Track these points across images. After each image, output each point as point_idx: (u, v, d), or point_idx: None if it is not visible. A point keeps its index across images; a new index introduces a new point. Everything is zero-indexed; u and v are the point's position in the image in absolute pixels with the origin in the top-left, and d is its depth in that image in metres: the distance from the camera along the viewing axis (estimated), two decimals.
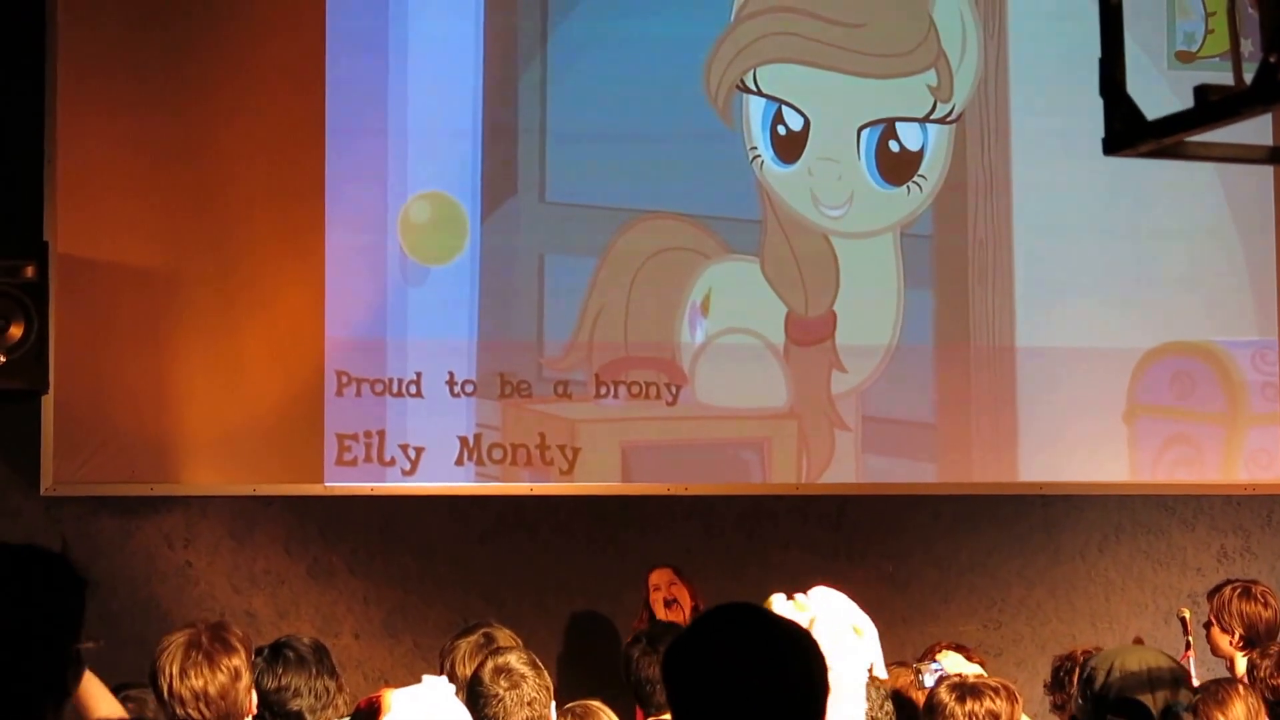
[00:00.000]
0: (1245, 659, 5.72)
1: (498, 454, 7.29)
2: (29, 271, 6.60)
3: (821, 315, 7.59)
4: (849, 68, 7.64)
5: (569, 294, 7.41)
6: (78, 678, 2.71)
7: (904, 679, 5.28)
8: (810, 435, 7.52)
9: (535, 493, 7.37)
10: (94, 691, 3.66)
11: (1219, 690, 4.65)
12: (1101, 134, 3.05)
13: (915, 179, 7.69)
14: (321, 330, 7.16)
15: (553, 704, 4.31)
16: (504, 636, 4.87)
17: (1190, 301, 7.87)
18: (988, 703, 4.57)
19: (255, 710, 4.08)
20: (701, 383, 7.45)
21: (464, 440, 7.25)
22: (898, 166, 7.68)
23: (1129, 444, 7.78)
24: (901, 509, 7.73)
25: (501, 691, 4.18)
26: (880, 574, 7.69)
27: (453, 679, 4.55)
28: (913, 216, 7.70)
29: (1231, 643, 6.05)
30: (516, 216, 7.38)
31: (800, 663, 2.64)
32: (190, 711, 3.86)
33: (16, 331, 6.55)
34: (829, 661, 2.68)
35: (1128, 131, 3.00)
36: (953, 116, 7.73)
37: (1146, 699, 4.29)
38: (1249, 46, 3.20)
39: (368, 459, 7.17)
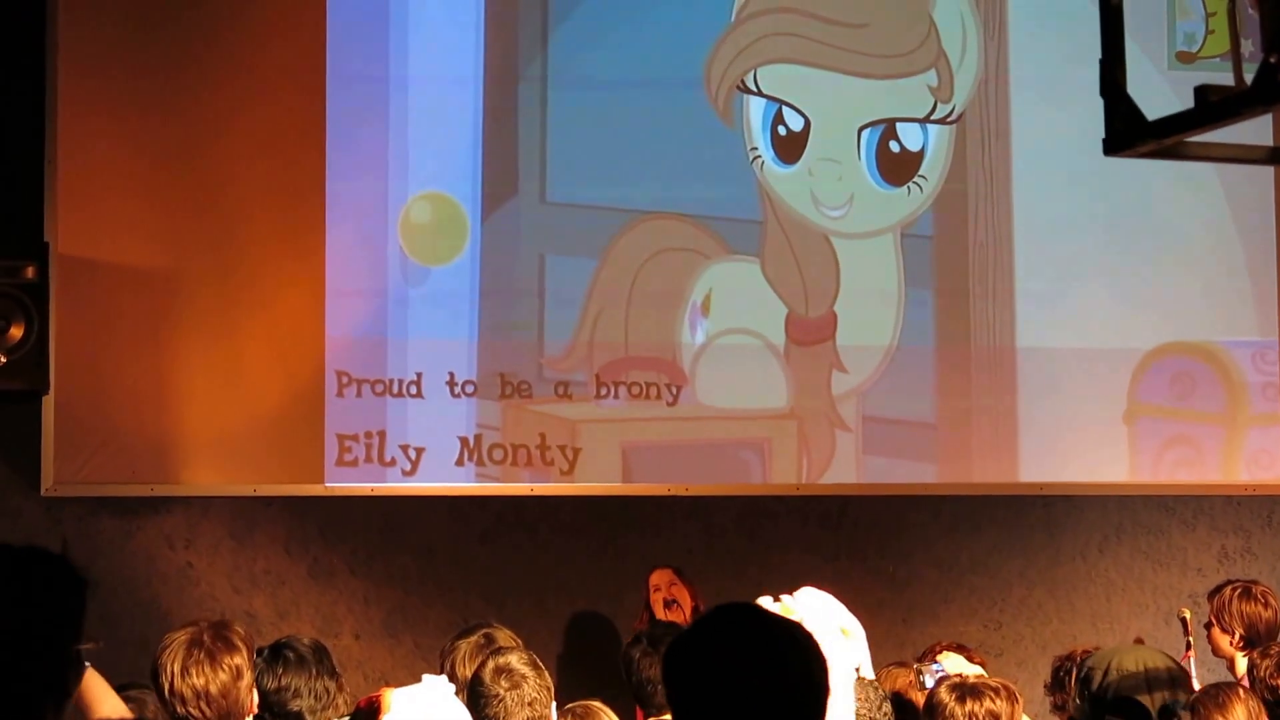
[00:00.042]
0: (1245, 659, 5.73)
1: (498, 454, 7.29)
2: (29, 272, 6.60)
3: (822, 316, 7.59)
4: (849, 68, 7.64)
5: (569, 294, 7.41)
6: (78, 678, 2.71)
7: (904, 679, 5.28)
8: (811, 436, 7.52)
9: (536, 493, 7.37)
10: (97, 691, 3.66)
11: (1219, 694, 4.65)
12: (1102, 134, 3.06)
13: (916, 179, 7.69)
14: (322, 330, 7.16)
15: (553, 704, 4.31)
16: (504, 637, 4.87)
17: (1191, 302, 7.88)
18: (988, 703, 4.57)
19: (256, 710, 4.08)
20: (702, 383, 7.46)
21: (464, 440, 7.26)
22: (898, 167, 7.68)
23: (1129, 444, 7.78)
24: (902, 509, 7.73)
25: (502, 691, 4.18)
26: (881, 574, 7.69)
27: (453, 679, 4.55)
28: (913, 217, 7.70)
29: (1232, 643, 6.06)
30: (517, 217, 7.38)
31: (800, 663, 2.64)
32: (191, 710, 3.86)
33: (17, 332, 6.55)
34: None
35: (1128, 132, 3.00)
36: (953, 117, 7.73)
37: (1144, 699, 4.29)
38: (1249, 47, 3.20)
39: (368, 459, 7.17)
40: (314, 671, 4.40)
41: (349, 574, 7.31)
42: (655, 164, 7.48)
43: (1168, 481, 7.86)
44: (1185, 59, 7.87)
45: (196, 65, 7.14)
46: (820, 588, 3.89)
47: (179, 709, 3.87)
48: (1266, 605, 6.08)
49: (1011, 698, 4.64)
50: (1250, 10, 2.96)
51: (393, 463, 7.19)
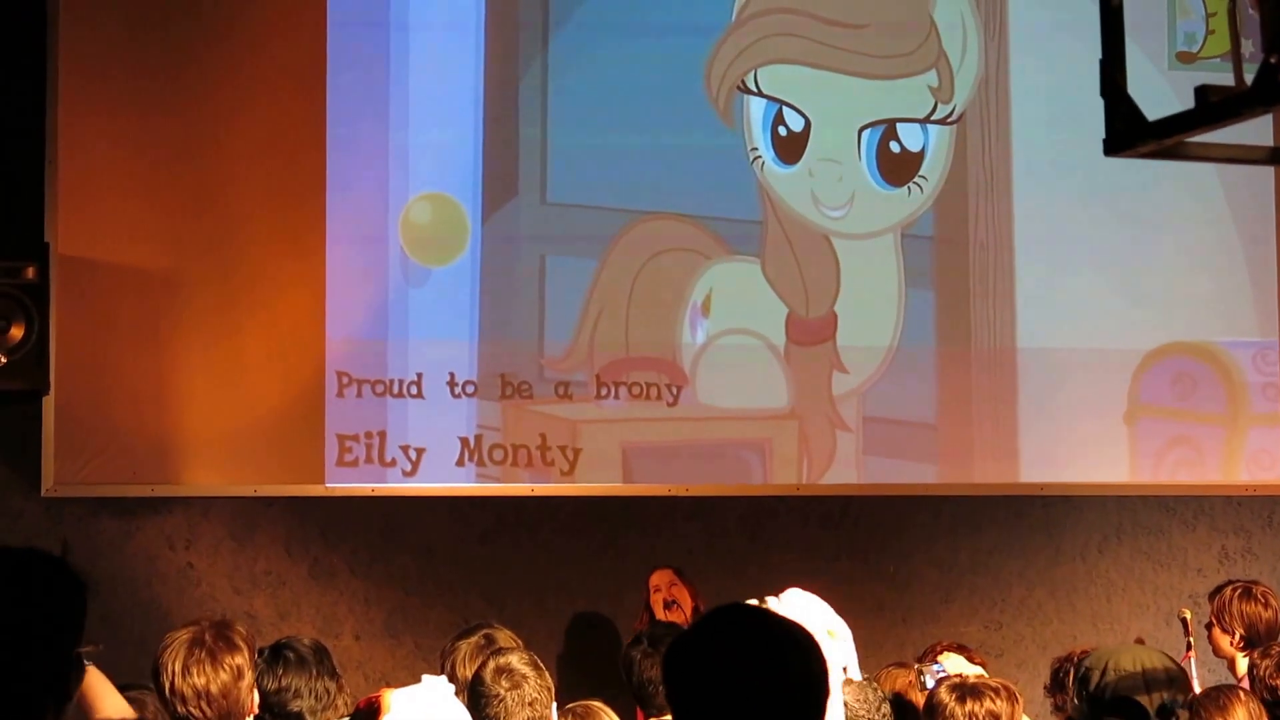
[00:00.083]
0: (1246, 660, 5.73)
1: (498, 455, 7.29)
2: (30, 272, 6.60)
3: (822, 316, 7.59)
4: (850, 68, 7.64)
5: (570, 295, 7.41)
6: (78, 681, 2.71)
7: (905, 680, 5.28)
8: (811, 436, 7.52)
9: (536, 493, 7.37)
10: (99, 690, 3.66)
11: (1220, 696, 4.65)
12: (1102, 134, 3.06)
13: (916, 180, 7.69)
14: (322, 331, 7.16)
15: (554, 704, 4.31)
16: (504, 637, 4.87)
17: (1191, 302, 7.88)
18: (988, 703, 4.57)
19: (256, 710, 4.08)
20: (702, 383, 7.45)
21: (465, 441, 7.26)
22: (898, 167, 7.68)
23: (1130, 445, 7.78)
24: (902, 510, 7.73)
25: (503, 692, 4.18)
26: (881, 575, 7.69)
27: (453, 680, 4.55)
28: (913, 217, 7.70)
29: (1232, 643, 6.06)
30: (517, 217, 7.38)
31: (801, 663, 2.64)
32: (192, 709, 3.86)
33: (17, 332, 6.55)
34: None
35: (1128, 132, 3.00)
36: (953, 117, 7.73)
37: (1142, 699, 4.29)
38: (1250, 47, 3.20)
39: (368, 460, 7.17)
40: (314, 672, 4.40)
41: (349, 574, 7.31)
42: (656, 164, 7.48)
43: (1168, 482, 7.86)
44: (1185, 59, 7.87)
45: (197, 66, 7.14)
46: (821, 588, 3.89)
47: (179, 708, 3.87)
48: (1267, 605, 6.08)
49: (1012, 698, 4.64)
50: (1250, 10, 2.96)
51: (393, 463, 7.19)
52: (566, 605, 7.43)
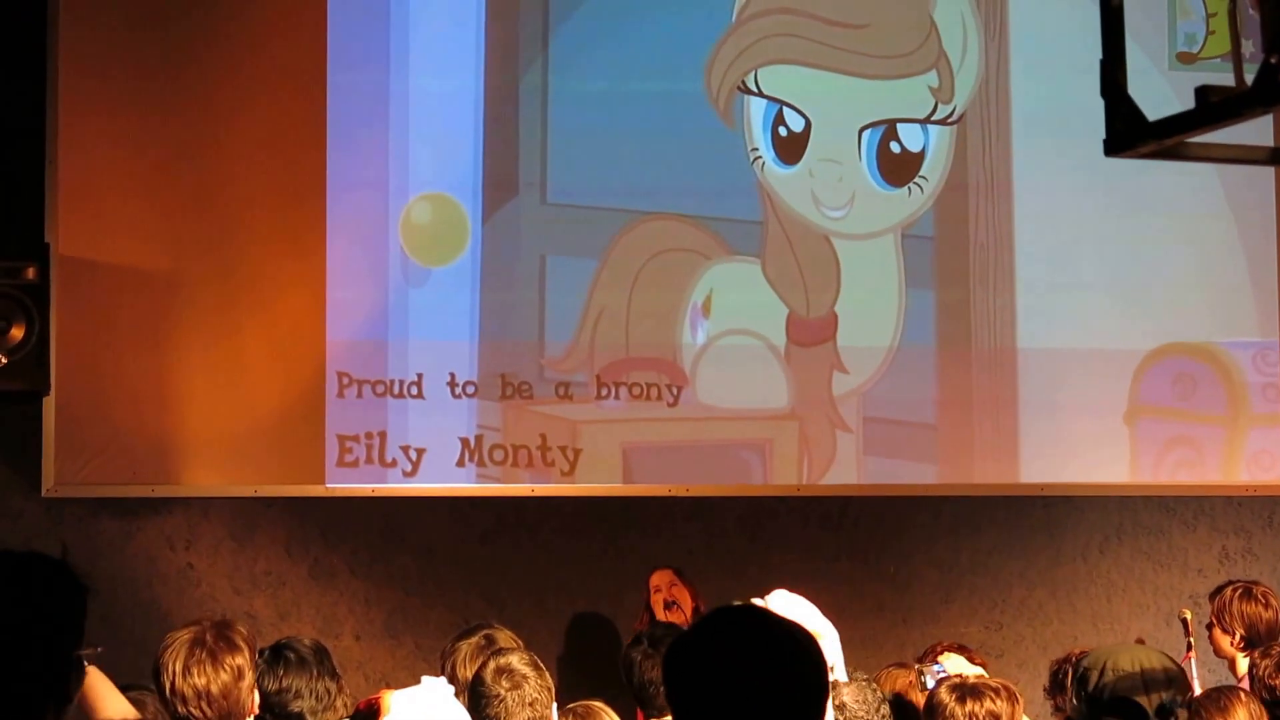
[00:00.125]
0: (1246, 660, 5.73)
1: (499, 455, 7.29)
2: (30, 273, 6.60)
3: (823, 316, 7.59)
4: (850, 69, 7.64)
5: (570, 295, 7.40)
6: (79, 683, 2.71)
7: (905, 680, 5.28)
8: (811, 436, 7.52)
9: (536, 494, 7.37)
10: (101, 691, 3.66)
11: (1221, 697, 4.65)
12: (1103, 135, 3.05)
13: (916, 180, 7.69)
14: (323, 331, 7.16)
15: (554, 705, 4.31)
16: (505, 638, 4.87)
17: (1191, 303, 7.88)
18: (988, 703, 4.57)
19: (257, 711, 4.08)
20: (703, 384, 7.45)
21: (465, 441, 7.26)
22: (899, 168, 7.68)
23: (1130, 445, 7.78)
24: (903, 510, 7.73)
25: (503, 692, 4.18)
26: (881, 575, 7.69)
27: (454, 681, 4.55)
28: (914, 218, 7.70)
29: (1233, 644, 6.06)
30: (518, 217, 7.38)
31: (801, 664, 2.64)
32: (192, 710, 3.86)
33: (18, 333, 6.54)
34: None
35: (1129, 132, 3.00)
36: (954, 118, 7.73)
37: (1141, 699, 4.29)
38: (1250, 47, 3.20)
39: (369, 460, 7.17)
40: (315, 672, 4.40)
41: (350, 575, 7.31)
42: (656, 165, 7.48)
43: (1168, 482, 7.86)
44: (1186, 59, 7.87)
45: (197, 66, 7.14)
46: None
47: (180, 709, 3.87)
48: (1267, 606, 6.08)
49: (1012, 698, 4.64)
50: (1251, 11, 2.96)
51: (393, 463, 7.19)
52: (567, 606, 7.43)
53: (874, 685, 4.45)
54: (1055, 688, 5.63)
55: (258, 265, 7.14)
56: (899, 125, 7.69)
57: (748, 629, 2.70)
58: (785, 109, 7.60)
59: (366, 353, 7.21)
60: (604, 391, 7.38)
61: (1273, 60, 2.73)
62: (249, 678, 3.94)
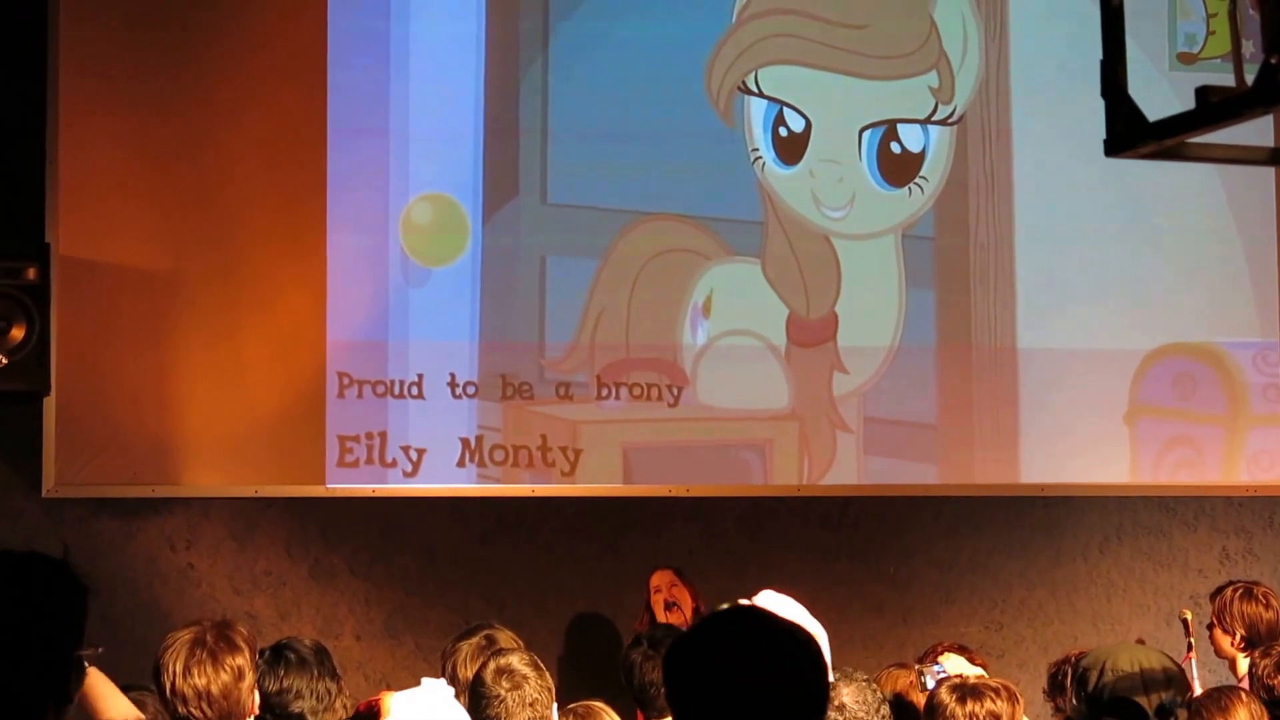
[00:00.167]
0: (1247, 660, 5.73)
1: (499, 455, 7.29)
2: (31, 273, 6.59)
3: (823, 317, 7.59)
4: (850, 69, 7.64)
5: (570, 295, 7.41)
6: (79, 683, 2.71)
7: (905, 680, 5.28)
8: (812, 436, 7.52)
9: (537, 494, 7.37)
10: (104, 692, 3.67)
11: (1222, 697, 4.65)
12: (1103, 135, 3.06)
13: (917, 180, 7.69)
14: (323, 332, 7.16)
15: (554, 705, 4.31)
16: (505, 638, 4.87)
17: (1192, 303, 7.88)
18: (988, 703, 4.58)
19: (257, 711, 4.08)
20: (703, 384, 7.45)
21: (465, 442, 7.26)
22: (899, 168, 7.68)
23: (1130, 445, 7.78)
24: (903, 510, 7.73)
25: (503, 692, 4.18)
26: (882, 575, 7.69)
27: (454, 681, 4.55)
28: (914, 218, 7.70)
29: (1233, 644, 6.06)
30: (518, 218, 7.38)
31: (801, 664, 2.64)
32: (192, 710, 3.86)
33: (18, 333, 6.54)
34: None
35: (1129, 133, 3.00)
36: (954, 118, 7.73)
37: (1140, 699, 4.29)
38: (1250, 48, 3.20)
39: (369, 460, 7.17)
40: (315, 673, 4.40)
41: (350, 575, 7.31)
42: (656, 165, 7.48)
43: (1169, 482, 7.85)
44: (1186, 60, 7.87)
45: (197, 66, 7.14)
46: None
47: (180, 709, 3.87)
48: (1268, 606, 6.08)
49: (1012, 698, 4.64)
50: (1251, 11, 2.96)
51: (394, 464, 7.19)
52: (567, 606, 7.43)
53: (874, 685, 4.45)
54: (1054, 689, 5.63)
55: (258, 265, 7.14)
56: (899, 125, 7.69)
57: (748, 629, 2.70)
58: (785, 109, 7.60)
59: (367, 353, 7.21)
60: (604, 392, 7.38)
61: (1273, 60, 2.74)
62: (249, 678, 3.94)
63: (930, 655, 5.59)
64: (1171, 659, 4.55)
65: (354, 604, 7.31)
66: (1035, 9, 7.81)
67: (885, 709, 4.43)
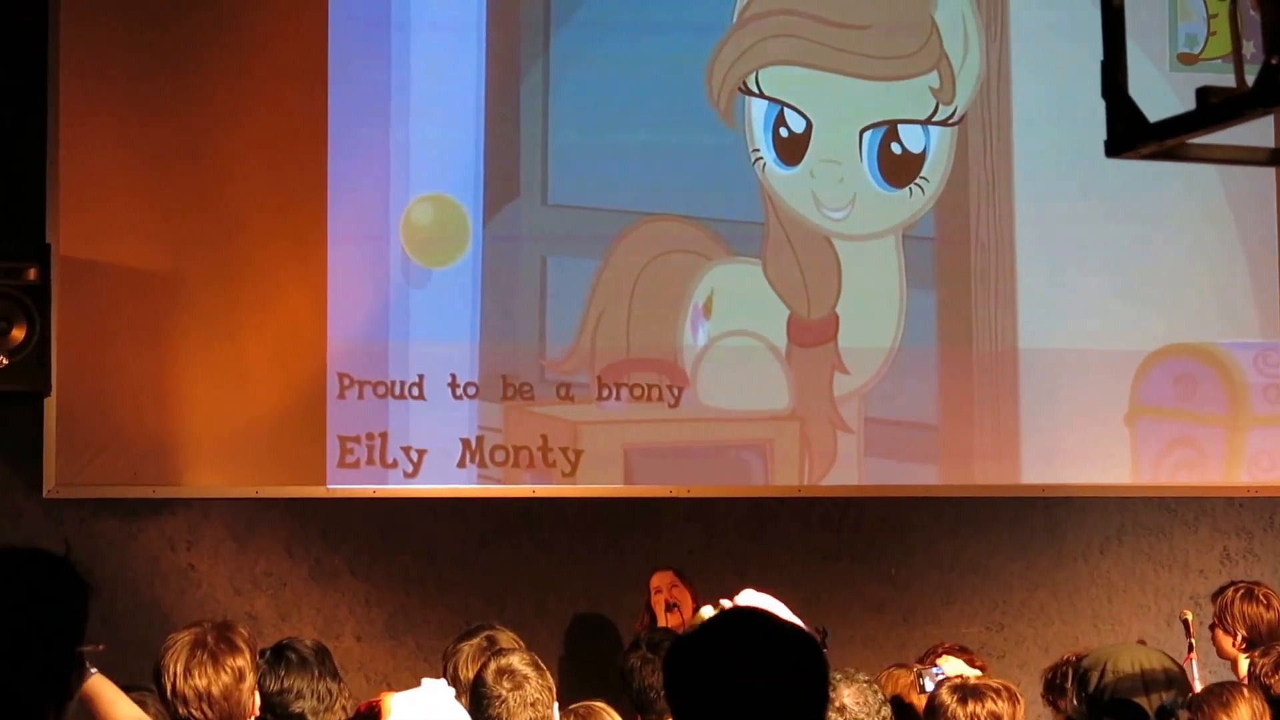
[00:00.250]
0: (1248, 660, 5.73)
1: (500, 456, 7.29)
2: (31, 274, 6.60)
3: (824, 317, 7.59)
4: (851, 70, 7.64)
5: (571, 296, 7.41)
6: (79, 680, 2.72)
7: (905, 680, 5.28)
8: (812, 437, 7.52)
9: (537, 495, 7.37)
10: (110, 697, 3.68)
11: (1224, 693, 4.65)
12: (1104, 136, 3.05)
13: (917, 181, 7.69)
14: (324, 332, 7.16)
15: (555, 705, 4.32)
16: (506, 639, 4.87)
17: (1192, 303, 7.87)
18: (989, 704, 4.58)
19: (258, 712, 4.09)
20: (703, 385, 7.45)
21: (466, 442, 7.26)
22: (900, 169, 7.68)
23: (1131, 446, 7.78)
24: (904, 511, 7.73)
25: (505, 692, 4.19)
26: (882, 576, 7.69)
27: (455, 682, 4.56)
28: (915, 219, 7.70)
29: (1234, 644, 6.06)
30: (518, 218, 7.39)
31: (802, 665, 2.64)
32: (193, 711, 3.87)
33: (19, 334, 6.54)
34: None
35: (1130, 133, 3.00)
36: (955, 119, 7.73)
37: (1141, 700, 4.29)
38: (1251, 49, 3.20)
39: (370, 461, 7.17)
40: (316, 673, 4.41)
41: (350, 576, 7.31)
42: (657, 166, 7.48)
43: (1169, 483, 7.85)
44: (1187, 60, 7.87)
45: (198, 66, 7.15)
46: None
47: (181, 710, 3.88)
48: (1269, 607, 6.08)
49: (1013, 699, 4.65)
50: (1252, 12, 2.96)
51: (394, 464, 7.20)
52: (567, 607, 7.43)
53: (875, 686, 4.45)
54: (1050, 691, 5.60)
55: (258, 265, 7.14)
56: (900, 126, 7.69)
57: (748, 630, 2.70)
58: (786, 110, 7.60)
59: (367, 354, 7.21)
60: (605, 392, 7.38)
61: (1273, 61, 2.73)
62: (250, 679, 3.95)
63: (930, 656, 5.59)
64: (1172, 660, 4.55)
65: (355, 604, 7.31)
66: (1036, 10, 7.81)
67: (886, 710, 4.43)
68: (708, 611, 4.12)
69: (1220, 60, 7.81)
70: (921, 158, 7.70)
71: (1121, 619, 7.83)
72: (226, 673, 3.89)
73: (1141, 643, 6.11)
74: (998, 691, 4.65)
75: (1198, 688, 5.27)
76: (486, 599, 7.27)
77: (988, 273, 7.70)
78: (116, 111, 7.06)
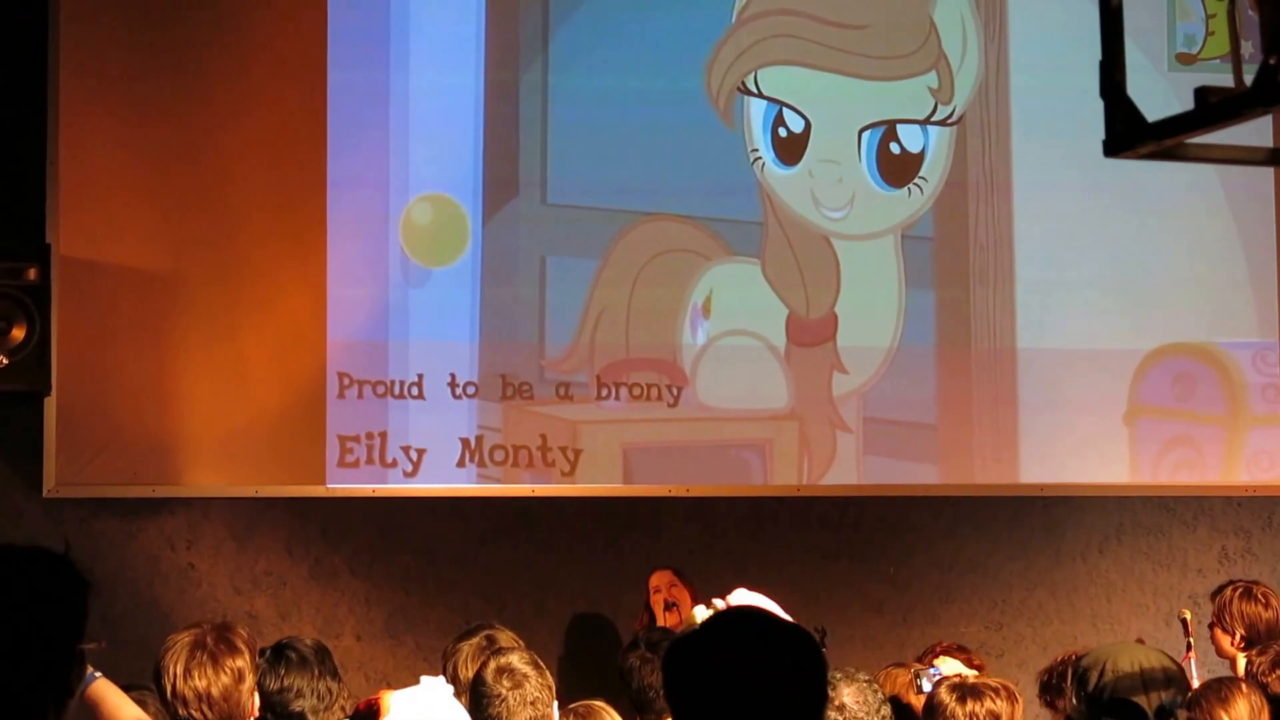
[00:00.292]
0: (1245, 659, 5.73)
1: (499, 455, 7.29)
2: (31, 274, 6.60)
3: (823, 317, 7.59)
4: (850, 70, 7.64)
5: (570, 296, 7.41)
6: (80, 678, 2.72)
7: (905, 679, 5.28)
8: (811, 437, 7.52)
9: (537, 494, 7.37)
10: (116, 701, 3.68)
11: (1222, 688, 4.66)
12: (1102, 136, 3.06)
13: (916, 181, 7.69)
14: (323, 332, 7.16)
15: (555, 704, 4.32)
16: (506, 638, 4.87)
17: (1191, 303, 7.88)
18: (988, 703, 4.58)
19: (258, 713, 4.09)
20: (703, 384, 7.46)
21: (465, 442, 7.26)
22: (899, 168, 7.69)
23: (1130, 445, 7.78)
24: (903, 510, 7.74)
25: (504, 691, 4.19)
26: (881, 575, 7.70)
27: (455, 681, 4.56)
28: (914, 218, 7.70)
29: (1233, 643, 6.07)
30: (518, 218, 7.39)
31: (801, 664, 2.65)
32: (193, 712, 3.87)
33: (19, 334, 6.55)
34: None
35: (1128, 133, 3.00)
36: (953, 118, 7.73)
37: (1140, 699, 4.29)
38: (1249, 48, 3.20)
39: (369, 461, 7.18)
40: (316, 672, 4.41)
41: (350, 575, 7.32)
42: (656, 165, 7.49)
43: (1168, 482, 7.86)
44: (1185, 60, 7.88)
45: (198, 66, 7.15)
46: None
47: (181, 711, 3.89)
48: (1267, 606, 6.09)
49: (1011, 698, 4.65)
50: (1250, 12, 2.96)
51: (394, 464, 7.20)
52: (567, 606, 7.43)
53: (875, 686, 4.46)
54: (1048, 692, 5.59)
55: (258, 265, 7.14)
56: (899, 126, 7.69)
57: (747, 630, 2.70)
58: (785, 110, 7.61)
59: (367, 353, 7.22)
60: (604, 392, 7.39)
61: (1271, 61, 2.74)
62: (249, 680, 3.95)
63: (928, 656, 5.59)
64: (1172, 659, 4.56)
65: (354, 604, 7.31)
66: (1034, 10, 7.81)
67: (886, 709, 4.44)
68: (700, 612, 4.12)
69: (1219, 60, 7.82)
70: (920, 157, 7.70)
71: (1120, 618, 7.84)
72: (226, 674, 3.89)
73: (1140, 642, 6.11)
74: (996, 690, 4.65)
75: (1195, 688, 5.28)
76: (486, 598, 7.27)
77: (986, 272, 7.70)
78: (116, 111, 7.07)
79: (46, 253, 6.74)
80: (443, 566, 7.36)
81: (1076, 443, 7.71)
